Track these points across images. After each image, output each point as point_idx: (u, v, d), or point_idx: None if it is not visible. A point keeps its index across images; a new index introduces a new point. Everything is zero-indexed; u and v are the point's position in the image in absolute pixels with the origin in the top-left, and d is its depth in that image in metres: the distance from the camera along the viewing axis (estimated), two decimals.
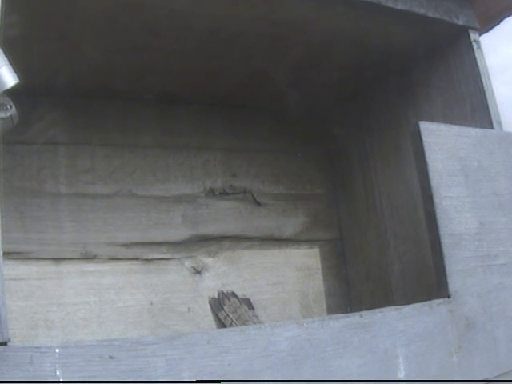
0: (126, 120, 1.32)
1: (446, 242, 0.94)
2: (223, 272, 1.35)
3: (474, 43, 1.17)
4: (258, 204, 1.44)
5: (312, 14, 1.07)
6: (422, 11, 1.10)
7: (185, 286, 1.29)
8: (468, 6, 1.18)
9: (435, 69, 1.25)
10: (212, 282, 1.33)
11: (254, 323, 1.24)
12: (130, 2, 0.95)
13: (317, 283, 1.47)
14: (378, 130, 1.43)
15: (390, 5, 1.06)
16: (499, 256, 1.01)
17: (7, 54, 0.70)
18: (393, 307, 0.88)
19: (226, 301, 1.29)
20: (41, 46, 1.02)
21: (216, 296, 1.30)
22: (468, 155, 1.03)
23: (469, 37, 1.18)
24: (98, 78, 1.20)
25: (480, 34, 1.20)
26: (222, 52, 1.18)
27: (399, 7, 1.07)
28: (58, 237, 1.19)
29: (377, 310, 0.86)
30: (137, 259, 1.26)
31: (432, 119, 1.15)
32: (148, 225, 1.29)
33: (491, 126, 1.12)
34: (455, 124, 1.06)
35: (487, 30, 1.25)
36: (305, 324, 0.78)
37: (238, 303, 1.29)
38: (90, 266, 1.20)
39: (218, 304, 1.29)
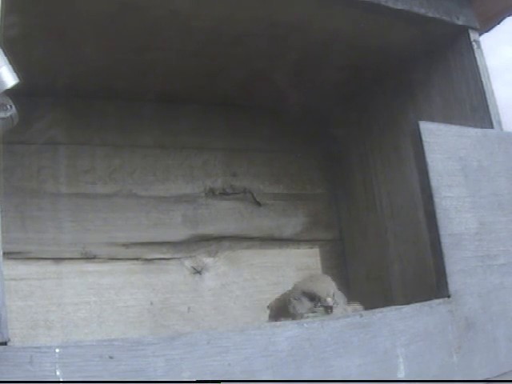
0: (126, 120, 1.32)
1: (446, 242, 0.94)
2: (223, 272, 1.36)
3: (473, 43, 1.17)
4: (258, 204, 1.44)
5: (311, 15, 1.07)
6: (422, 11, 1.10)
7: (185, 286, 1.29)
8: (468, 5, 1.18)
9: (435, 69, 1.25)
10: (212, 282, 1.33)
11: None
12: (131, 2, 0.95)
13: None
14: (377, 130, 1.43)
15: (390, 5, 1.06)
16: (499, 256, 1.01)
17: (7, 53, 0.70)
18: (393, 307, 0.88)
19: None
20: (41, 45, 1.02)
21: None
22: (468, 155, 1.03)
23: (469, 37, 1.17)
24: (98, 78, 1.20)
25: (480, 34, 1.20)
26: (222, 52, 1.18)
27: (399, 7, 1.07)
28: (58, 237, 1.19)
29: (377, 310, 0.86)
30: (137, 259, 1.26)
31: (432, 119, 1.15)
32: (148, 225, 1.29)
33: (491, 126, 1.12)
34: (455, 124, 1.06)
35: (487, 30, 1.25)
36: (305, 324, 0.78)
37: None
38: (89, 266, 1.20)
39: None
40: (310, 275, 1.15)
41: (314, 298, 0.98)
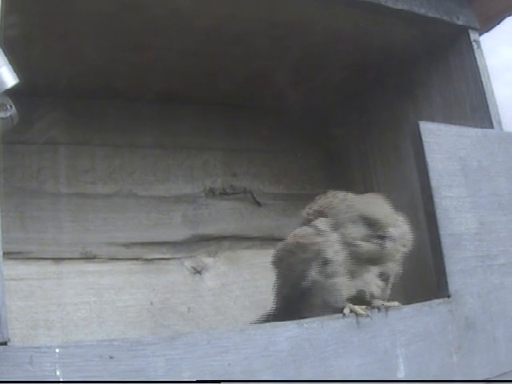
0: (126, 120, 1.32)
1: (446, 242, 0.94)
2: (223, 272, 1.35)
3: (474, 43, 1.17)
4: (258, 204, 1.44)
5: (312, 15, 1.07)
6: (422, 11, 1.10)
7: (185, 286, 1.29)
8: (468, 5, 1.18)
9: (435, 69, 1.25)
10: (212, 282, 1.33)
11: None
12: (131, 1, 0.95)
13: None
14: (377, 130, 1.43)
15: (390, 5, 1.06)
16: (499, 256, 1.01)
17: (7, 53, 0.70)
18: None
19: None
20: (41, 45, 1.02)
21: None
22: (468, 155, 1.03)
23: (469, 37, 1.18)
24: (98, 77, 1.20)
25: (480, 34, 1.20)
26: (222, 52, 1.18)
27: (399, 7, 1.07)
28: (58, 237, 1.19)
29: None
30: (137, 259, 1.26)
31: (432, 119, 1.14)
32: (148, 225, 1.29)
33: (491, 126, 1.12)
34: (455, 124, 1.06)
35: (487, 30, 1.25)
36: (305, 324, 0.78)
37: None
38: (89, 266, 1.20)
39: None
40: (368, 196, 0.97)
41: (374, 224, 0.85)
